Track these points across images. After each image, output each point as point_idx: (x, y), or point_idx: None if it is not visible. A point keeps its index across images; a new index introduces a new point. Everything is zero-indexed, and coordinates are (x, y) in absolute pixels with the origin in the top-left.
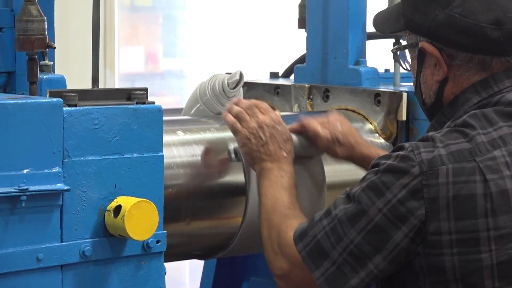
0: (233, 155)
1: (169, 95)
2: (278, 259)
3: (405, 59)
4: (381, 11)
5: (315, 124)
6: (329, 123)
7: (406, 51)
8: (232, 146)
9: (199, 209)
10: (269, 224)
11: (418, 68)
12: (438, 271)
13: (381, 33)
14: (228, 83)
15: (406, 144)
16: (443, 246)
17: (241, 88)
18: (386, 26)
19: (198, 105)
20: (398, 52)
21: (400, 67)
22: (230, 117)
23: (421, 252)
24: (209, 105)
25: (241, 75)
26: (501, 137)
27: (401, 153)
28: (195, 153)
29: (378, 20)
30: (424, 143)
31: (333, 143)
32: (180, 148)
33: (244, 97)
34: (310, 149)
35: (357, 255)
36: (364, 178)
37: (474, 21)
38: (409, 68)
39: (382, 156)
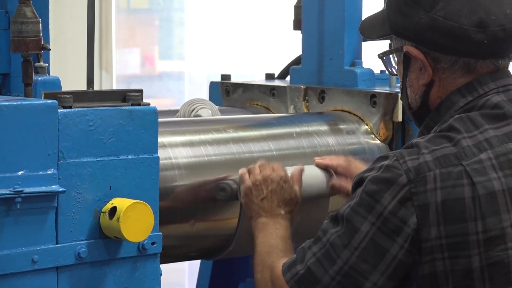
0: (221, 193)
1: (166, 97)
2: None
3: (391, 64)
4: (367, 18)
5: (347, 184)
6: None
7: (392, 56)
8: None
9: (196, 211)
10: (263, 267)
11: (404, 72)
12: (430, 276)
13: (367, 39)
14: (194, 116)
15: (390, 154)
16: (434, 251)
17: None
18: (372, 31)
19: None
20: (384, 57)
21: (387, 71)
22: (242, 169)
23: (418, 261)
24: None
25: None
26: (487, 140)
27: (385, 163)
28: (192, 154)
29: (365, 26)
30: (408, 150)
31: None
32: (176, 150)
33: (240, 99)
34: (316, 194)
35: (353, 276)
36: (351, 198)
37: (458, 23)
38: (395, 73)
39: (364, 170)
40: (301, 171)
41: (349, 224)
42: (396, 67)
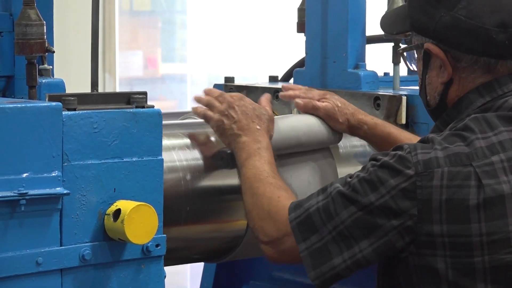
0: (219, 162)
1: (169, 100)
2: (266, 226)
3: (411, 60)
4: (388, 12)
5: (312, 101)
6: (326, 96)
7: (413, 51)
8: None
9: (202, 212)
10: (254, 192)
11: (424, 69)
12: (431, 271)
13: (388, 33)
14: None
15: (405, 145)
16: (436, 247)
17: None
18: (393, 26)
19: None
20: (405, 53)
21: (407, 67)
22: (200, 108)
23: (414, 252)
24: None
25: None
26: (500, 142)
27: (399, 153)
28: (195, 156)
29: (385, 20)
30: (423, 144)
31: (334, 113)
32: (180, 152)
33: None
34: (317, 141)
35: (346, 235)
36: (362, 168)
37: (479, 23)
38: (415, 69)
39: (381, 152)
40: (269, 96)
41: (353, 192)
42: (416, 64)
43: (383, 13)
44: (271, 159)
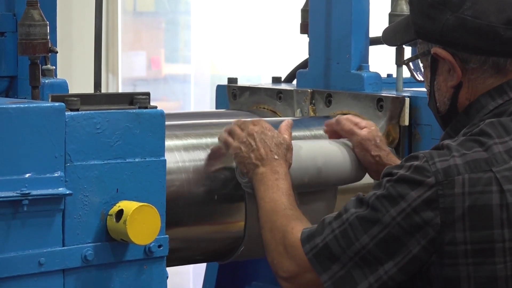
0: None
1: (172, 100)
2: (284, 261)
3: (418, 69)
4: (389, 26)
5: (352, 124)
6: (370, 127)
7: (419, 60)
8: None
9: (202, 214)
10: (271, 226)
11: (432, 76)
12: (452, 281)
13: (391, 46)
14: None
15: (420, 154)
16: (458, 256)
17: None
18: (396, 38)
19: None
20: (411, 63)
21: (414, 77)
22: (223, 134)
23: (436, 262)
24: None
25: None
26: None
27: (415, 163)
28: (197, 158)
29: (387, 33)
30: (439, 151)
31: (370, 143)
32: (183, 153)
33: (247, 102)
34: (325, 181)
35: (369, 259)
36: (377, 186)
37: (486, 21)
38: (422, 79)
39: (394, 166)
40: (289, 123)
41: (372, 211)
42: (423, 72)
43: (387, 14)
44: (289, 190)
